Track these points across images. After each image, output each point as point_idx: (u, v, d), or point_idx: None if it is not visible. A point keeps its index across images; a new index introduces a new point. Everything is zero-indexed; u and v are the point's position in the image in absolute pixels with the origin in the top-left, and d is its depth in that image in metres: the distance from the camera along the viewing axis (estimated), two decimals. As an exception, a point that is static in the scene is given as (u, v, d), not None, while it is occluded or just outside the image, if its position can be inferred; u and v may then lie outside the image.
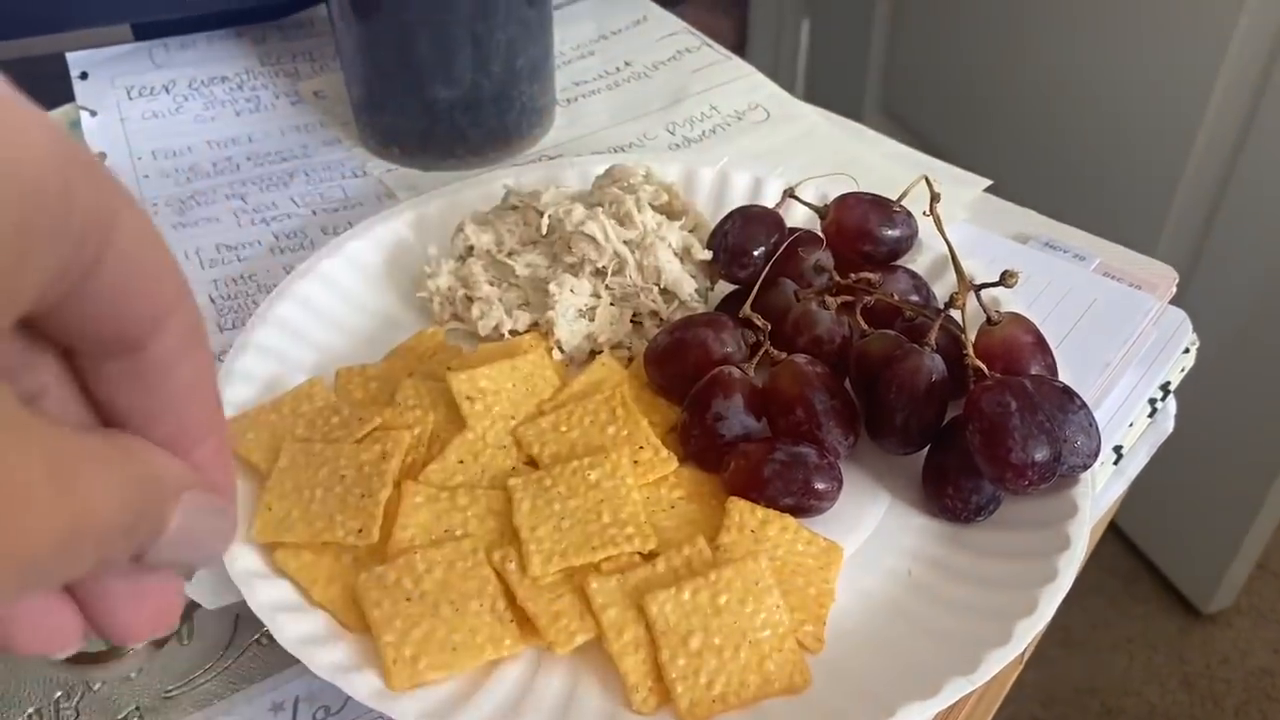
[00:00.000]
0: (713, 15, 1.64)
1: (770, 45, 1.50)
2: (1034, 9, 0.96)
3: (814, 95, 0.52)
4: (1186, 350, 0.42)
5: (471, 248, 0.39)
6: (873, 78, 1.31)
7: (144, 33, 0.55)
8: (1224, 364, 0.83)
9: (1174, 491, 0.98)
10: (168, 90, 0.51)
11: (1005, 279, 0.33)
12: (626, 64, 0.55)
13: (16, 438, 0.14)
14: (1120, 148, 0.90)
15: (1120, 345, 0.40)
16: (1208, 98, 0.80)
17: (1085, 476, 0.32)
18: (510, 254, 0.39)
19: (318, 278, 0.39)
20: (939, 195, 0.34)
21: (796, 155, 0.47)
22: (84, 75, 0.52)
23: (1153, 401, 0.41)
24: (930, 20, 1.13)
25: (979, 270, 0.36)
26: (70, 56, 0.53)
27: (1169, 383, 0.41)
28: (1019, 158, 1.03)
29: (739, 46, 1.55)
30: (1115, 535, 1.09)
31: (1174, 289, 0.43)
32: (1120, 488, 0.40)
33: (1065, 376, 0.34)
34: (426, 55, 0.44)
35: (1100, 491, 0.39)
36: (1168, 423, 0.42)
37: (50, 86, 0.52)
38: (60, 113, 0.50)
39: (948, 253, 0.35)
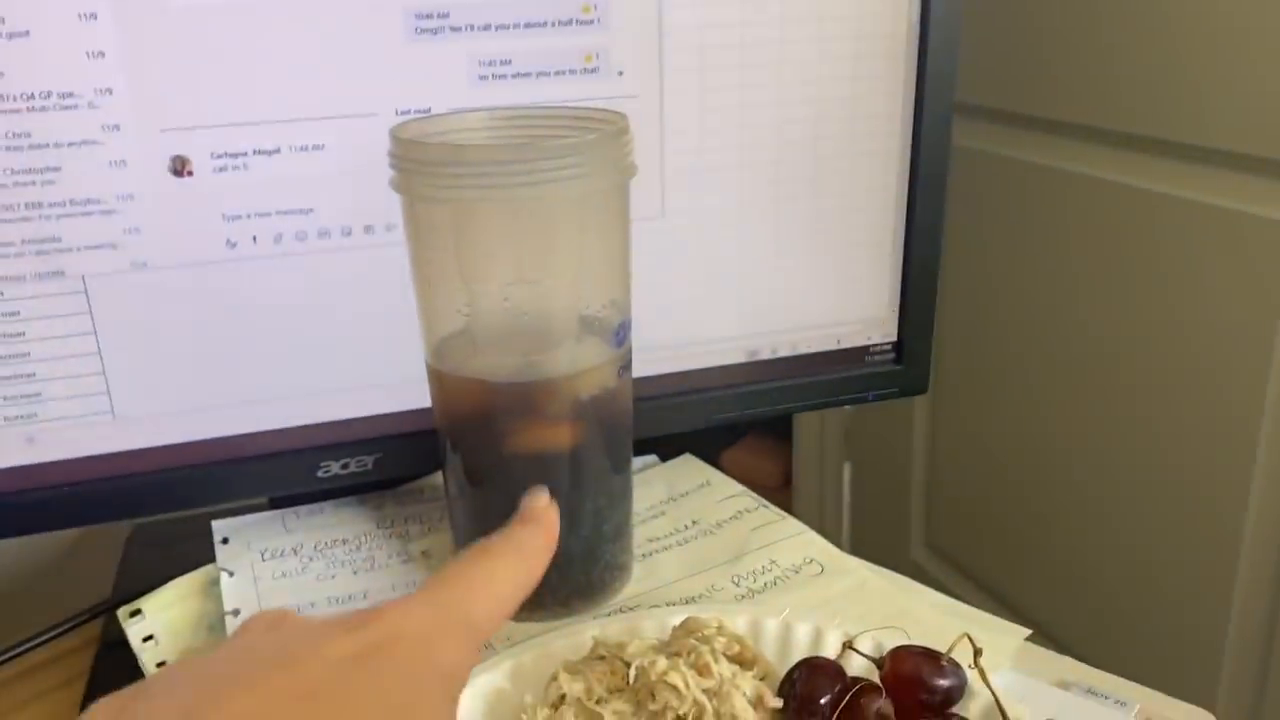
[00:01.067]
0: (759, 458, 1.77)
1: (815, 485, 1.60)
2: (1064, 456, 1.05)
3: (860, 531, 0.58)
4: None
5: (564, 696, 0.44)
6: (915, 513, 1.38)
7: (279, 501, 0.65)
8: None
9: None
10: (295, 552, 0.59)
11: (1048, 728, 0.37)
12: (694, 522, 0.62)
13: None
14: (1161, 585, 0.94)
15: (1171, 791, 0.42)
16: (1239, 546, 0.85)
17: None
18: (599, 702, 0.43)
19: (427, 725, 0.43)
20: (981, 650, 0.39)
21: (850, 607, 0.53)
22: (225, 540, 0.60)
23: None
24: (967, 454, 1.22)
25: (1027, 717, 0.40)
26: (215, 524, 0.62)
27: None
28: (1063, 589, 1.07)
29: (784, 486, 1.66)
30: None
31: (1213, 737, 0.46)
32: None
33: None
34: (528, 524, 0.52)
35: None
36: None
37: (192, 546, 0.60)
38: (203, 573, 0.57)
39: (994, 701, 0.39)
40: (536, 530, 0.35)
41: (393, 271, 0.54)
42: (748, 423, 1.66)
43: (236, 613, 0.54)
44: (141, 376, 0.54)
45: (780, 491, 1.72)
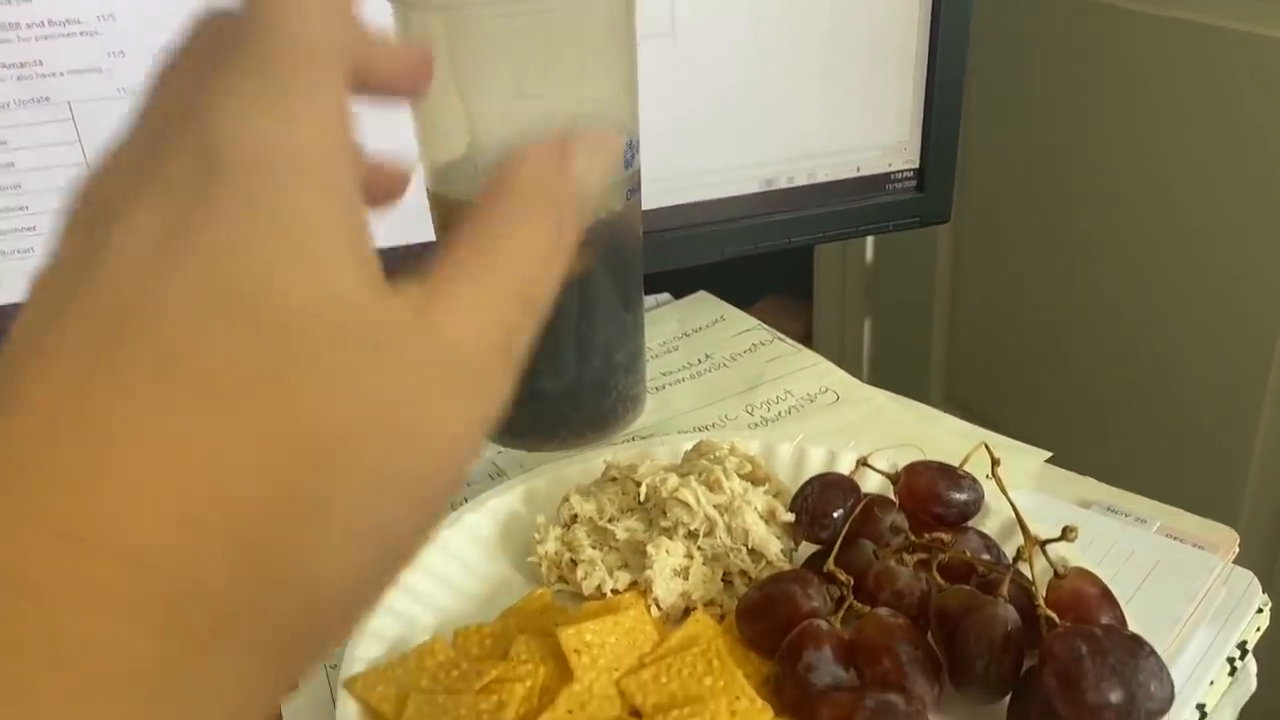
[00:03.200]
0: (779, 317, 1.75)
1: (836, 342, 1.59)
2: (1087, 294, 1.03)
3: (880, 386, 0.57)
4: (1260, 610, 0.44)
5: (575, 516, 0.44)
6: (936, 366, 1.37)
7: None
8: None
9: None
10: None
11: (1066, 533, 0.36)
12: (708, 356, 0.61)
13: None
14: (1188, 424, 0.93)
15: (1188, 602, 0.42)
16: (1267, 373, 0.84)
17: (1164, 723, 0.34)
18: (611, 520, 0.43)
19: (439, 547, 0.43)
20: (999, 460, 0.38)
21: (866, 432, 0.52)
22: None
23: (1231, 660, 0.42)
24: (990, 302, 1.21)
25: (1045, 532, 0.39)
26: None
27: (1245, 642, 0.43)
28: (1086, 432, 1.06)
29: (805, 343, 1.65)
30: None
31: (1236, 549, 0.45)
32: (1208, 746, 0.40)
33: (1137, 631, 0.36)
34: (537, 352, 0.50)
35: (1189, 752, 0.39)
36: (1250, 682, 0.43)
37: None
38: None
39: (1013, 515, 0.38)
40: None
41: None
42: (767, 281, 1.64)
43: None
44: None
45: (800, 348, 1.71)
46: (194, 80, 0.19)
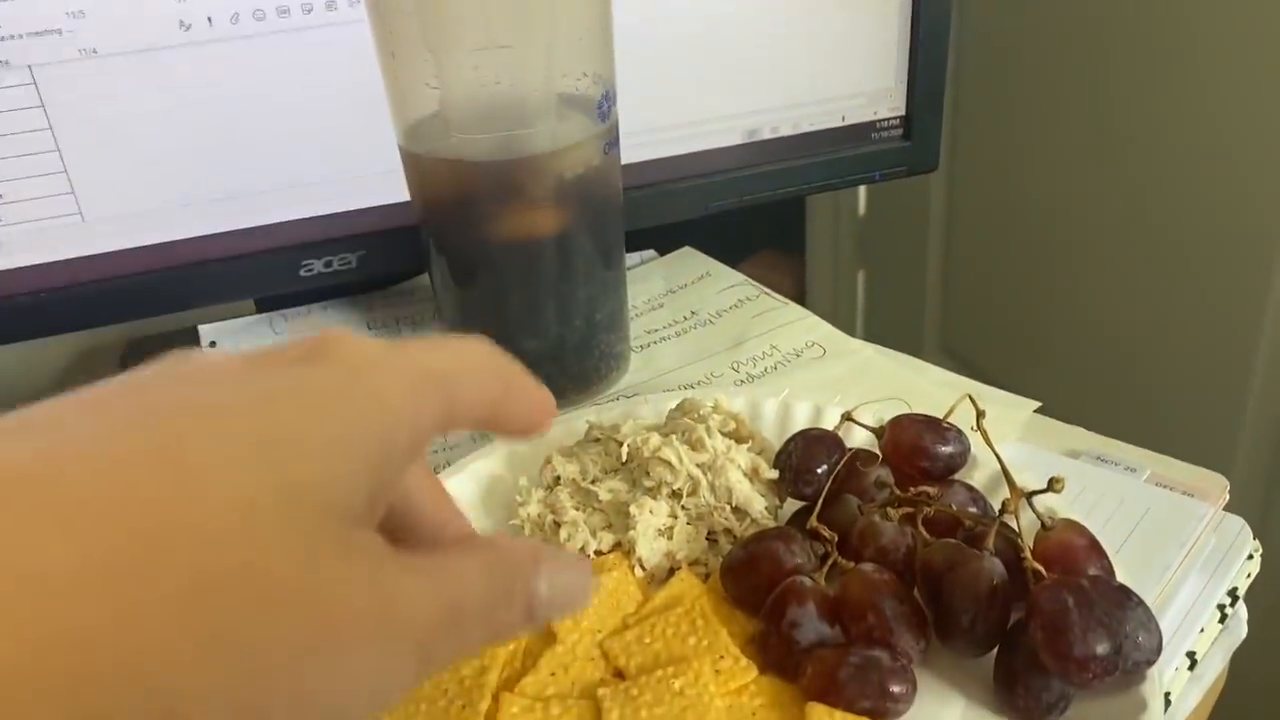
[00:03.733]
0: (771, 272, 1.74)
1: (829, 296, 1.58)
2: (1081, 243, 1.02)
3: (874, 339, 0.56)
4: (1251, 556, 0.43)
5: (558, 477, 0.43)
6: (930, 318, 1.37)
7: (265, 305, 0.63)
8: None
9: (1264, 705, 0.94)
10: (286, 353, 0.58)
11: (1053, 484, 0.35)
12: (693, 313, 0.60)
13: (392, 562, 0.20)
14: (1180, 373, 0.93)
15: (1178, 550, 0.41)
16: (1261, 320, 0.83)
17: (1152, 673, 0.33)
18: (594, 481, 0.42)
19: (420, 510, 0.43)
20: (983, 412, 0.38)
21: (852, 386, 0.51)
22: (214, 344, 0.59)
23: (1221, 608, 0.42)
24: (984, 251, 1.20)
25: (1032, 483, 0.39)
26: (202, 329, 0.61)
27: (1236, 589, 0.42)
28: (1080, 382, 1.06)
29: (798, 299, 1.64)
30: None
31: (1226, 496, 0.44)
32: (1198, 694, 0.40)
33: (1126, 581, 0.36)
34: (517, 313, 0.50)
35: (1178, 699, 0.39)
36: (1240, 628, 0.43)
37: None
38: (193, 376, 0.56)
39: (999, 467, 0.38)
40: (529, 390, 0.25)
41: (360, 52, 0.50)
42: (759, 236, 1.63)
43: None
44: (106, 175, 0.52)
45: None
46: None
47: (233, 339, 0.59)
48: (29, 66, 0.48)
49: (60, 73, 0.49)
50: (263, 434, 0.18)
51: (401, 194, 0.51)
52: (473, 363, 0.23)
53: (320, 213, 0.55)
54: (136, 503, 0.16)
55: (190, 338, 0.61)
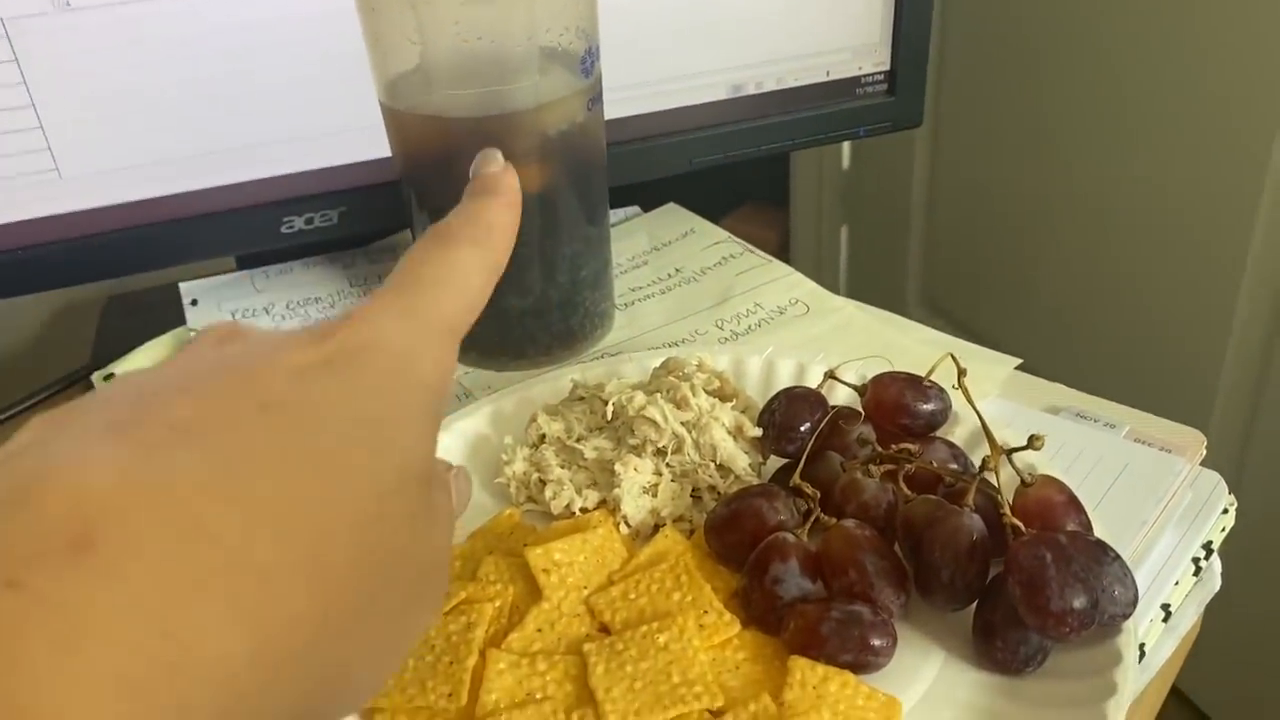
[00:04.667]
0: (756, 226, 1.74)
1: (812, 250, 1.58)
2: (1064, 199, 1.02)
3: (857, 294, 0.56)
4: (1226, 510, 0.44)
5: (544, 436, 0.43)
6: (912, 273, 1.37)
7: (246, 262, 0.63)
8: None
9: (1236, 654, 0.96)
10: (268, 311, 0.57)
11: (1032, 442, 0.36)
12: (677, 270, 0.60)
13: None
14: (1160, 330, 0.94)
15: (1155, 505, 0.42)
16: (1240, 278, 0.84)
17: (1127, 626, 0.34)
18: (579, 440, 0.43)
19: (405, 469, 0.43)
20: (965, 370, 0.38)
21: (836, 344, 0.51)
22: (194, 302, 0.58)
23: (1196, 561, 0.43)
24: (967, 206, 1.20)
25: (1012, 439, 0.39)
26: (183, 286, 0.60)
27: (1210, 542, 0.43)
28: (1060, 335, 1.07)
29: (782, 254, 1.64)
30: (1181, 703, 1.07)
31: (1203, 451, 0.45)
32: (1172, 644, 0.41)
33: (1104, 535, 0.37)
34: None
35: (1153, 649, 0.40)
36: (1214, 581, 0.43)
37: (165, 313, 0.59)
38: (174, 335, 0.56)
39: (980, 424, 0.38)
40: (497, 203, 0.28)
41: (341, 6, 0.49)
42: (742, 191, 1.62)
43: (211, 373, 0.53)
44: (83, 131, 0.51)
45: (777, 258, 1.70)
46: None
47: (213, 296, 0.59)
48: (2, 20, 0.47)
49: (34, 25, 0.48)
50: (361, 417, 0.21)
51: (382, 150, 0.50)
52: (459, 274, 0.26)
53: (301, 169, 0.55)
54: (304, 502, 0.19)
55: (171, 295, 0.61)
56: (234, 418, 0.19)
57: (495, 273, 0.27)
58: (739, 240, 0.63)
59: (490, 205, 0.28)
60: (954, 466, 0.40)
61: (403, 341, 0.23)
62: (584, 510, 0.41)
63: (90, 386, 0.56)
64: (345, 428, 0.21)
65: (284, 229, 0.56)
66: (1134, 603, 0.34)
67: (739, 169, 0.62)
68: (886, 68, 0.62)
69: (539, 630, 0.36)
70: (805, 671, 0.34)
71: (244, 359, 0.21)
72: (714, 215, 0.67)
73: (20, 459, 0.18)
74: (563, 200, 0.49)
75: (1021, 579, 0.33)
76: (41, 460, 0.17)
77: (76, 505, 0.16)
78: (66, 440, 0.18)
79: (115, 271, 0.54)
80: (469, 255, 0.26)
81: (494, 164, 0.29)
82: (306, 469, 0.19)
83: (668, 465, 0.41)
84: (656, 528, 0.40)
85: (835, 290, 0.56)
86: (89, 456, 0.17)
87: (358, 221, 0.57)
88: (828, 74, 0.61)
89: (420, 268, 0.26)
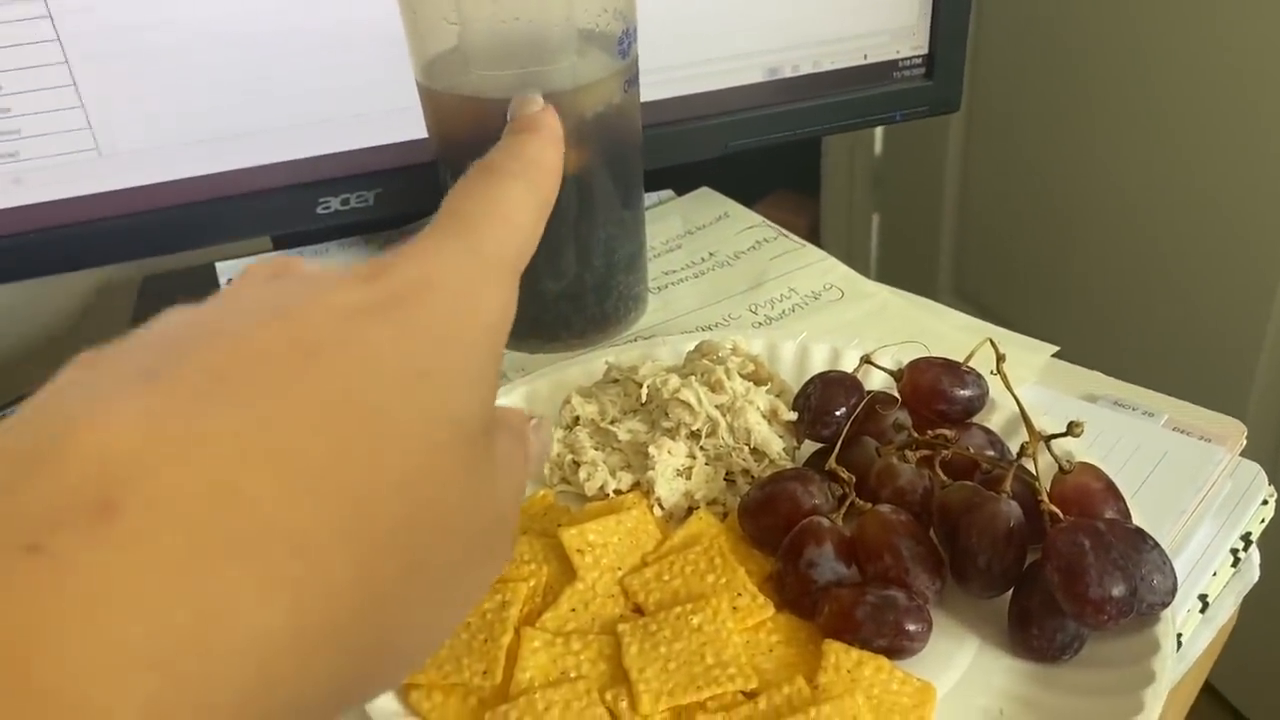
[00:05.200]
0: (786, 213, 1.73)
1: (843, 238, 1.57)
2: (1099, 186, 1.01)
3: (888, 282, 0.56)
4: (1265, 501, 0.44)
5: (578, 418, 0.43)
6: (944, 261, 1.36)
7: (282, 243, 0.63)
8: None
9: (1273, 650, 0.95)
10: (304, 291, 0.58)
11: (1072, 429, 0.35)
12: (711, 254, 0.60)
13: None
14: (1196, 319, 0.92)
15: (1194, 495, 0.42)
16: (1279, 266, 0.82)
17: (1165, 614, 0.34)
18: (613, 422, 0.43)
19: (440, 448, 0.43)
20: (1004, 356, 0.38)
21: (870, 329, 0.51)
22: (230, 281, 0.59)
23: (1235, 552, 0.42)
24: (1000, 194, 1.19)
25: (1050, 427, 0.39)
26: (219, 266, 0.61)
27: (1249, 533, 0.43)
28: (1094, 324, 1.06)
29: (812, 241, 1.63)
30: (1214, 699, 1.06)
31: (1244, 441, 0.44)
32: (1209, 636, 0.40)
33: (1142, 524, 0.36)
34: (537, 253, 0.50)
35: (1189, 640, 0.40)
36: (1253, 572, 0.43)
37: (202, 293, 0.59)
38: (212, 314, 0.56)
39: (1018, 411, 0.38)
40: (539, 138, 0.26)
41: (377, -15, 0.49)
42: (773, 176, 1.62)
43: (248, 352, 0.53)
44: (123, 110, 0.51)
45: (807, 244, 1.69)
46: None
47: (250, 276, 0.59)
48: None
49: (76, 4, 0.48)
50: (416, 367, 0.19)
51: (419, 131, 0.50)
52: (510, 208, 0.24)
53: (337, 150, 0.55)
54: (348, 461, 0.18)
55: (208, 275, 0.61)
56: (275, 364, 0.18)
57: (544, 210, 0.25)
58: (773, 225, 0.62)
59: (533, 140, 0.26)
60: (991, 453, 0.39)
61: (461, 279, 0.21)
62: (617, 492, 0.41)
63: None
64: (398, 377, 0.19)
65: (320, 210, 0.56)
66: (1173, 591, 0.34)
67: (769, 155, 0.62)
68: (924, 51, 0.61)
69: (573, 610, 0.36)
70: (839, 655, 0.34)
71: (291, 298, 0.20)
72: (744, 201, 0.66)
73: (52, 405, 0.17)
74: (599, 182, 0.49)
75: (1060, 565, 0.32)
76: (69, 411, 0.16)
77: (101, 465, 0.15)
78: (97, 388, 0.17)
79: (153, 250, 0.55)
80: (517, 189, 0.24)
81: (533, 104, 0.28)
82: (353, 424, 0.18)
83: (701, 448, 0.41)
84: (690, 510, 0.40)
85: (866, 277, 0.56)
86: (117, 410, 0.16)
87: (393, 203, 0.57)
88: (865, 57, 0.61)
89: (468, 202, 0.24)
